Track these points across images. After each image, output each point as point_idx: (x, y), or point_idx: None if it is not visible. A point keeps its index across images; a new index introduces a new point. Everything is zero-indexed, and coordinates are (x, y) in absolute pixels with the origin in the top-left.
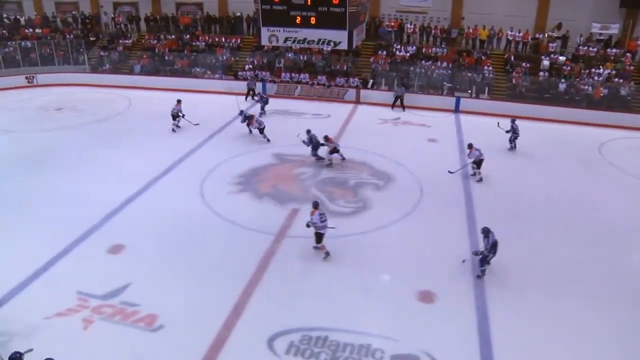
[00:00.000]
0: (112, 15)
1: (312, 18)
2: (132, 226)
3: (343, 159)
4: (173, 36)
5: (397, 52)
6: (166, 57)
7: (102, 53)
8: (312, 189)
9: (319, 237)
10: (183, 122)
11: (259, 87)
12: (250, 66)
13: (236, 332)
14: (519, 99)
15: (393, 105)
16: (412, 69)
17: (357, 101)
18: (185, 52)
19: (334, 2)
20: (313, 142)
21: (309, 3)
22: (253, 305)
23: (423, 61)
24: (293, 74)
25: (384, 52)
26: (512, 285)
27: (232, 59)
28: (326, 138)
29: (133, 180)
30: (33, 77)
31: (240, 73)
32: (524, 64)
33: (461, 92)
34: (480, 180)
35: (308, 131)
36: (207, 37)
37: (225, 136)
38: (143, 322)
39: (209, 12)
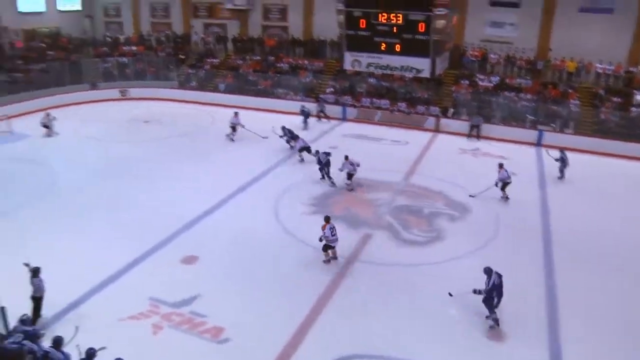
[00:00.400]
0: (202, 35)
1: (397, 45)
2: (206, 239)
3: (350, 189)
4: (258, 57)
5: (480, 82)
6: (250, 77)
7: (190, 71)
8: (386, 216)
9: (325, 247)
10: (245, 134)
11: (338, 110)
12: (332, 89)
13: (300, 352)
14: (607, 135)
15: (469, 135)
16: (494, 99)
17: (437, 129)
18: (269, 73)
19: (419, 30)
20: (322, 162)
21: (394, 30)
22: (319, 327)
23: (506, 92)
24: (374, 100)
25: (467, 82)
26: (589, 327)
27: (315, 81)
28: (346, 158)
29: (210, 195)
30: (126, 90)
31: (321, 96)
32: (614, 99)
33: (544, 125)
34: (507, 199)
35: (316, 152)
36: (290, 60)
37: (302, 158)
38: (209, 334)
39: (294, 36)
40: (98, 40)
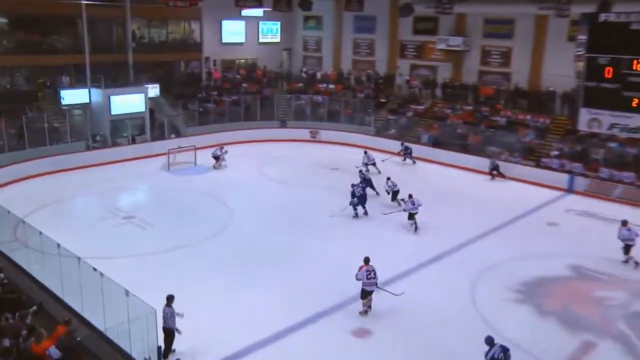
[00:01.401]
0: (407, 78)
1: None
2: (384, 312)
3: (415, 229)
4: (470, 107)
5: None
6: (459, 130)
7: (390, 117)
8: (618, 322)
9: (363, 293)
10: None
11: (564, 179)
12: (557, 153)
13: None
14: None
15: None
16: None
17: None
18: (482, 126)
19: None
20: (357, 195)
21: None
22: None
23: None
24: (613, 170)
25: None
26: None
27: (536, 141)
28: (410, 196)
29: (397, 260)
30: (317, 132)
31: (543, 160)
32: None
33: None
34: (632, 263)
35: (352, 184)
36: (509, 113)
37: (514, 231)
38: None
39: (517, 85)
40: (293, 74)
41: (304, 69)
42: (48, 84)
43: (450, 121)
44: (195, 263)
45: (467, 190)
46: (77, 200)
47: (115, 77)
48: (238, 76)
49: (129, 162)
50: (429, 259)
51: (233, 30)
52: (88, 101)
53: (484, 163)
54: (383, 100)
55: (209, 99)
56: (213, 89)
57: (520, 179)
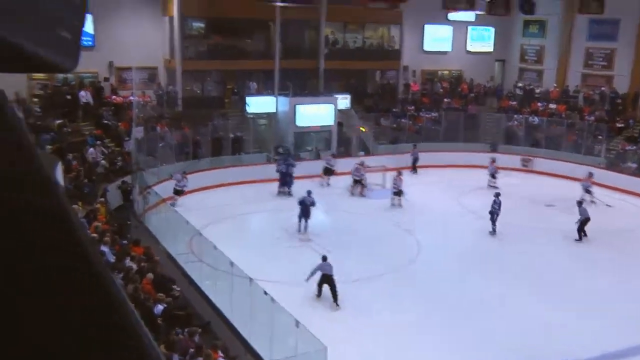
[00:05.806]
0: None
1: None
2: None
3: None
4: None
5: None
6: None
7: (628, 147)
8: None
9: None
10: None
11: None
12: None
13: None
14: None
15: None
16: None
17: None
18: None
19: None
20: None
21: None
22: None
23: None
24: None
25: None
26: None
27: None
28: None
29: (630, 330)
30: (530, 160)
31: None
32: None
33: None
34: None
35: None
36: None
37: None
38: None
39: None
40: (505, 90)
41: (520, 84)
42: (235, 90)
43: None
44: (369, 298)
45: None
46: (254, 216)
47: (304, 85)
48: (440, 90)
49: (311, 179)
50: None
51: (437, 37)
52: (274, 110)
53: None
54: (620, 125)
55: (405, 114)
56: (410, 103)
57: None
